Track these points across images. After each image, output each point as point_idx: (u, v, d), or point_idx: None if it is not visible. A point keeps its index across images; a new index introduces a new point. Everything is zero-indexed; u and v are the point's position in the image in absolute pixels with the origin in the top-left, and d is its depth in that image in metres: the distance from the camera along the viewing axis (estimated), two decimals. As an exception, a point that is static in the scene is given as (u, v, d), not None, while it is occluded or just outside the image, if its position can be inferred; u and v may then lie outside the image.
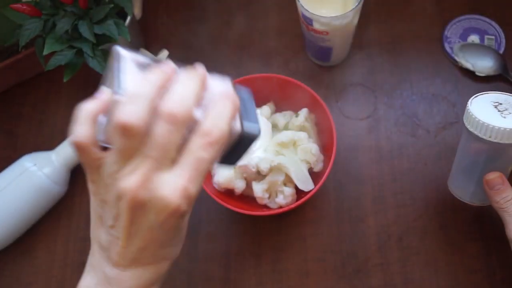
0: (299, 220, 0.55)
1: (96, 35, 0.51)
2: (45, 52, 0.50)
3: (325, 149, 0.53)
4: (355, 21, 0.53)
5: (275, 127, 0.54)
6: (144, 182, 0.25)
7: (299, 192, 0.51)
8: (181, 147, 0.26)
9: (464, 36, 0.61)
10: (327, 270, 0.53)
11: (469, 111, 0.41)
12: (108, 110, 0.26)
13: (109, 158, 0.26)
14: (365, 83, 0.61)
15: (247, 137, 0.28)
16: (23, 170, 0.53)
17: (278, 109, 0.56)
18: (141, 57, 0.27)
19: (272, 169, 0.50)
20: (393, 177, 0.56)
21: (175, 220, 0.27)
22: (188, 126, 0.26)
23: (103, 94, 0.27)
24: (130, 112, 0.24)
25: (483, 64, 0.59)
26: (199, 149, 0.26)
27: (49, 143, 0.60)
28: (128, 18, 0.56)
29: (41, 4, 0.52)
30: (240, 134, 0.27)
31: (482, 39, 0.61)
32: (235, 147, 0.28)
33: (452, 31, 0.62)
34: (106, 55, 0.52)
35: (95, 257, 0.30)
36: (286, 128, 0.54)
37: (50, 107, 0.64)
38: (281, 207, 0.51)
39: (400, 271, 0.52)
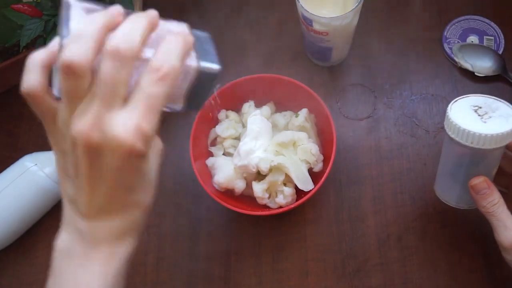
0: (299, 220, 0.55)
1: (96, 35, 0.51)
2: (46, 53, 0.50)
3: (325, 149, 0.53)
4: (355, 21, 0.54)
5: (275, 127, 0.54)
6: (95, 123, 0.24)
7: (299, 192, 0.51)
8: (131, 87, 0.25)
9: (463, 36, 0.62)
10: (326, 270, 0.53)
11: (449, 117, 0.41)
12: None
13: (61, 105, 0.26)
14: (365, 83, 0.61)
15: (205, 74, 0.28)
16: (24, 170, 0.54)
17: (278, 109, 0.57)
18: (92, 5, 0.27)
19: (272, 169, 0.50)
20: (393, 177, 0.56)
21: (133, 161, 0.26)
22: (137, 66, 0.25)
23: (53, 43, 0.27)
24: (74, 51, 0.23)
25: (482, 65, 0.59)
26: (150, 85, 0.25)
27: (49, 143, 0.60)
28: (129, 19, 0.56)
29: (42, 4, 0.52)
30: (198, 71, 0.27)
31: (481, 40, 0.61)
32: (196, 87, 0.28)
33: (452, 31, 0.62)
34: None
35: (66, 213, 0.30)
36: (286, 128, 0.54)
37: (51, 107, 0.64)
38: (281, 207, 0.51)
39: (399, 271, 0.52)
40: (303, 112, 0.53)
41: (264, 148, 0.50)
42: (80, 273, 0.29)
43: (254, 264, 0.54)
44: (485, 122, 0.40)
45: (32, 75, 0.26)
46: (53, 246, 0.30)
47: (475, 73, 0.59)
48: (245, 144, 0.50)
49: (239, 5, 0.66)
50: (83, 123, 0.25)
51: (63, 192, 0.30)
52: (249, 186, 0.52)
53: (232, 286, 0.53)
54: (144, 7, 0.66)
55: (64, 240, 0.30)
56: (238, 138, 0.54)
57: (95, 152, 0.25)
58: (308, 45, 0.59)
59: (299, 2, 0.50)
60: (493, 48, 0.60)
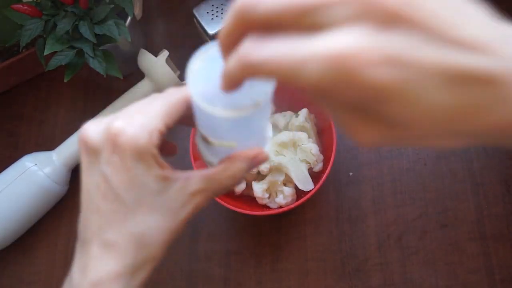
0: (299, 220, 0.55)
1: (96, 35, 0.51)
2: (46, 53, 0.50)
3: (325, 149, 0.53)
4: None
5: (275, 127, 0.54)
6: (95, 124, 0.27)
7: (299, 192, 0.51)
8: None
9: (463, 36, 0.62)
10: (326, 269, 0.53)
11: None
12: None
13: None
14: (365, 83, 0.61)
15: None
16: (24, 169, 0.54)
17: (278, 109, 0.57)
18: None
19: (272, 169, 0.50)
20: (393, 177, 0.56)
21: (121, 157, 0.26)
22: None
23: None
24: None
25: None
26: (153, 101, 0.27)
27: (50, 143, 0.60)
28: (129, 19, 0.56)
29: (42, 4, 0.52)
30: None
31: (481, 40, 0.61)
32: None
33: (452, 31, 0.62)
34: (106, 55, 0.53)
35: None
36: (286, 128, 0.54)
37: (51, 107, 0.64)
38: (281, 207, 0.51)
39: (399, 271, 0.52)
40: (303, 112, 0.53)
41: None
42: None
43: (254, 264, 0.54)
44: None
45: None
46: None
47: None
48: (245, 144, 0.50)
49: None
50: (86, 125, 0.27)
51: None
52: (249, 186, 0.52)
53: (232, 286, 0.53)
54: (144, 7, 0.66)
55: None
56: (238, 138, 0.54)
57: (93, 152, 0.26)
58: (308, 45, 0.59)
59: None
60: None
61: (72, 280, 0.27)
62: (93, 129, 0.26)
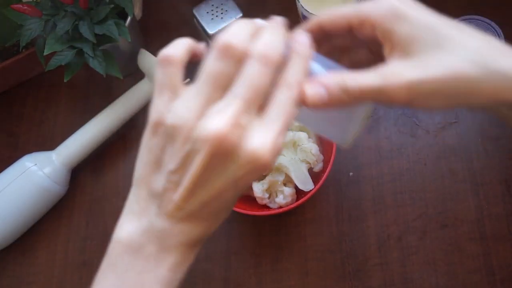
0: (299, 220, 0.55)
1: (96, 35, 0.51)
2: (46, 52, 0.50)
3: (325, 149, 0.53)
4: (355, 21, 0.53)
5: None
6: (234, 126, 0.23)
7: (299, 192, 0.51)
8: (268, 95, 0.25)
9: (463, 36, 0.61)
10: (326, 269, 0.53)
11: None
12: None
13: (193, 89, 0.25)
14: (365, 83, 0.61)
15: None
16: (24, 170, 0.54)
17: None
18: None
19: (272, 169, 0.50)
20: (393, 177, 0.56)
21: (255, 176, 0.25)
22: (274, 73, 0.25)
23: (199, 44, 0.28)
24: (232, 34, 0.25)
25: (483, 65, 0.59)
26: (288, 101, 0.24)
27: (49, 143, 0.60)
28: (129, 18, 0.56)
29: (42, 4, 0.52)
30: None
31: (481, 40, 0.61)
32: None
33: (452, 31, 0.62)
34: (106, 55, 0.52)
35: (139, 205, 0.27)
36: (286, 128, 0.54)
37: (51, 107, 0.64)
38: (281, 207, 0.51)
39: (399, 271, 0.52)
40: (303, 112, 0.53)
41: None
42: (145, 274, 0.27)
43: (254, 264, 0.54)
44: None
45: (178, 47, 0.27)
46: (116, 236, 0.28)
47: (475, 73, 0.59)
48: (245, 144, 0.50)
49: (240, 4, 0.66)
50: (221, 121, 0.23)
51: (144, 181, 0.27)
52: (249, 186, 0.52)
53: (232, 286, 0.53)
54: (144, 7, 0.66)
55: (133, 233, 0.27)
56: (238, 138, 0.54)
57: (221, 155, 0.24)
58: (308, 45, 0.59)
59: (299, 2, 0.50)
60: (493, 48, 0.60)
61: (155, 233, 0.27)
62: (231, 132, 0.23)
